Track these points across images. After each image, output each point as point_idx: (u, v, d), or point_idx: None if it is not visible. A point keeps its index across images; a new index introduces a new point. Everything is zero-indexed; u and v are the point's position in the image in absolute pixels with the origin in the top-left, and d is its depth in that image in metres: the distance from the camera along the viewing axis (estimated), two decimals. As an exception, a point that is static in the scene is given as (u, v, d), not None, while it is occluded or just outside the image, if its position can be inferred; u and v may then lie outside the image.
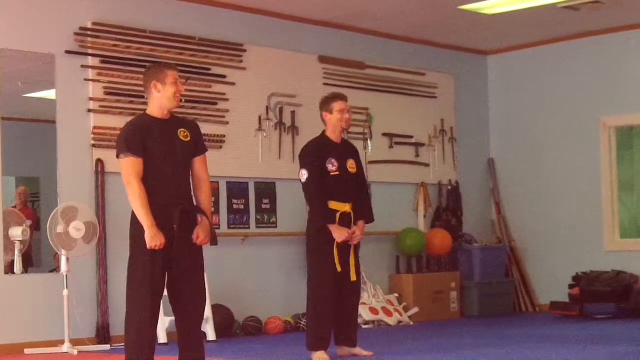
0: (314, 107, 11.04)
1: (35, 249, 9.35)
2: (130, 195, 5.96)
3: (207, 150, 6.31)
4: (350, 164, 7.63)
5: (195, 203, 6.16)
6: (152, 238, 5.86)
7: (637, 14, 11.35)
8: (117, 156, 6.03)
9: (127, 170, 5.95)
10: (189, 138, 6.11)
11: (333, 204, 7.48)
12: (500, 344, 8.41)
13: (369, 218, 7.73)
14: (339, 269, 7.45)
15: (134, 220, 5.99)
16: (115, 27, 9.52)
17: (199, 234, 6.06)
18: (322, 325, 7.48)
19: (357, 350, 7.60)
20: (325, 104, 7.67)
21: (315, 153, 7.56)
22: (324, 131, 7.70)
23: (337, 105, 7.59)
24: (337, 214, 7.48)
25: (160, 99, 6.08)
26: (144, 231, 5.90)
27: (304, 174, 7.51)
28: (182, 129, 6.12)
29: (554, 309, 11.45)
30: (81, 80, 9.30)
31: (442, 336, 9.50)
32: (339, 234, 7.41)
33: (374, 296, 11.02)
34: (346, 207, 7.53)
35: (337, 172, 7.51)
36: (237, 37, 10.45)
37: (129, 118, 9.37)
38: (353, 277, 7.57)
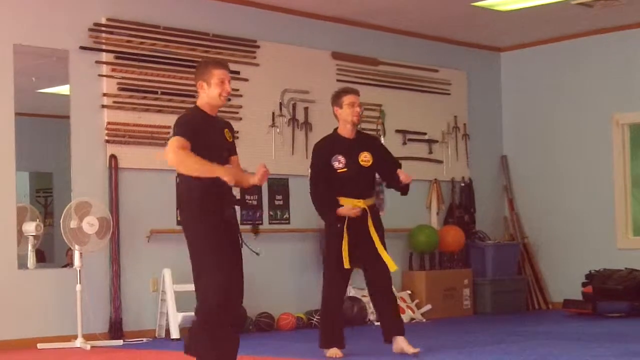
0: (328, 103, 11.02)
1: (49, 244, 9.38)
2: (182, 162, 5.74)
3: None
4: (364, 157, 7.52)
5: None
6: (228, 172, 5.75)
7: (651, 11, 11.33)
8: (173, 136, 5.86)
9: (173, 145, 5.78)
10: (231, 139, 6.11)
11: (344, 201, 7.42)
12: (513, 342, 8.39)
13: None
14: (346, 265, 7.35)
15: (191, 214, 5.90)
16: (130, 23, 9.53)
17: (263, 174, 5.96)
18: (332, 322, 7.47)
19: (404, 342, 7.47)
20: (336, 98, 7.61)
21: (321, 151, 7.56)
22: (336, 128, 7.66)
23: (347, 99, 7.52)
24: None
25: (207, 98, 6.00)
26: (205, 221, 5.82)
27: (309, 172, 7.59)
28: (227, 129, 6.10)
29: (567, 307, 11.42)
30: (95, 76, 9.31)
31: (455, 333, 9.49)
32: (346, 210, 7.35)
33: (386, 293, 11.00)
34: (360, 203, 7.45)
35: (344, 169, 7.45)
36: (250, 33, 10.46)
37: (143, 114, 9.52)
38: (393, 267, 7.47)
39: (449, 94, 12.43)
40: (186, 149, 5.76)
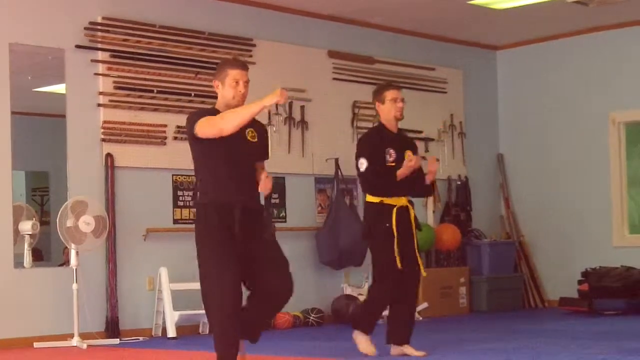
0: (324, 101, 11.07)
1: (45, 243, 9.37)
2: (224, 121, 5.68)
3: (268, 157, 6.13)
4: (408, 156, 7.29)
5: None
6: (278, 95, 5.61)
7: (646, 9, 11.34)
8: (193, 130, 5.70)
9: (205, 121, 5.71)
10: (256, 139, 5.91)
11: (387, 200, 7.18)
12: (510, 340, 8.40)
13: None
14: (399, 264, 7.15)
15: (198, 218, 5.84)
16: (126, 21, 9.53)
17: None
18: (378, 313, 7.38)
19: (409, 349, 7.33)
20: (378, 93, 7.37)
21: (374, 142, 7.30)
22: (380, 122, 7.40)
23: (389, 95, 7.28)
24: (394, 209, 7.16)
25: (222, 99, 5.87)
26: (208, 226, 5.75)
27: (362, 163, 7.22)
28: (251, 129, 5.89)
29: (563, 305, 11.43)
30: (91, 74, 9.31)
31: (451, 331, 9.49)
32: (409, 165, 7.06)
33: (383, 291, 11.01)
34: (402, 201, 7.23)
35: (394, 164, 7.19)
36: (246, 32, 10.46)
37: (139, 112, 9.51)
38: (424, 273, 7.37)
39: (445, 92, 12.43)
40: (215, 118, 5.71)
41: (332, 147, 11.04)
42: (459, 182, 12.49)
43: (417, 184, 7.39)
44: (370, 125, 11.39)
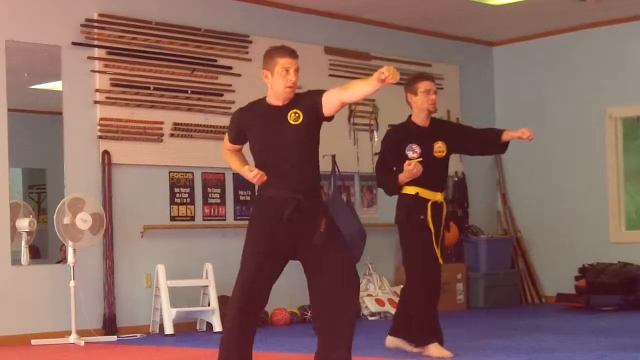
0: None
1: (42, 241, 9.37)
2: (224, 159, 5.76)
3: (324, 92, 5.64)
4: (438, 148, 7.01)
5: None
6: (254, 175, 5.34)
7: (643, 5, 11.35)
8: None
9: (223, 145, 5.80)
10: (300, 119, 5.50)
11: (423, 192, 6.91)
12: (507, 336, 8.40)
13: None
14: (441, 261, 6.97)
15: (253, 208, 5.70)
16: (122, 18, 9.52)
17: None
18: (432, 316, 7.05)
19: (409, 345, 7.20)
20: (410, 85, 7.09)
21: (393, 138, 7.09)
22: (410, 116, 7.19)
23: (422, 86, 7.03)
24: (429, 204, 6.90)
25: (271, 89, 5.57)
26: (256, 217, 5.55)
27: (377, 159, 7.14)
28: (294, 111, 5.52)
29: (560, 301, 11.44)
30: (87, 71, 9.30)
31: (449, 328, 9.45)
32: (408, 169, 6.77)
33: (380, 288, 11.01)
34: (437, 197, 6.96)
35: (419, 159, 6.87)
36: (243, 28, 10.45)
37: (135, 109, 9.50)
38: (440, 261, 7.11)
39: (441, 88, 12.39)
40: (225, 149, 5.72)
41: (329, 144, 10.96)
42: (456, 179, 12.48)
43: (490, 141, 7.18)
44: (367, 121, 11.41)
